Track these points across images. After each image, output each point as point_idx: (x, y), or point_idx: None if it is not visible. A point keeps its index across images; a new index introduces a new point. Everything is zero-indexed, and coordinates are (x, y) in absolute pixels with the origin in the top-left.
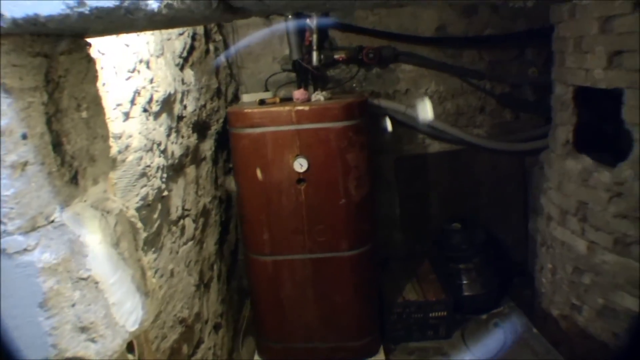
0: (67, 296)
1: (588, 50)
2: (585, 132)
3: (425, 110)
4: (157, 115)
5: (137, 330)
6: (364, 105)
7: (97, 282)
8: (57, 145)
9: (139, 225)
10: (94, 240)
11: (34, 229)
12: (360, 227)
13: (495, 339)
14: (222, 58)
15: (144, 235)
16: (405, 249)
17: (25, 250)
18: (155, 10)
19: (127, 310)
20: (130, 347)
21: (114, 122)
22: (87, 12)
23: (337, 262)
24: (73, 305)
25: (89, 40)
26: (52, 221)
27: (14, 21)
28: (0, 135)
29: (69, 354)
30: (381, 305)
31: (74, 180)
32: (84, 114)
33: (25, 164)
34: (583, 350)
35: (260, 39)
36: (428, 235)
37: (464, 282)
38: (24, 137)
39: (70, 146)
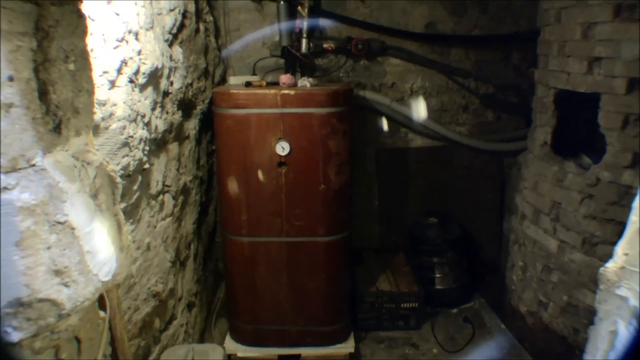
0: (43, 238)
1: (571, 55)
2: (563, 134)
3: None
4: (142, 87)
5: (109, 281)
6: (349, 94)
7: (73, 228)
8: (42, 94)
9: (118, 180)
10: (73, 188)
11: (14, 169)
12: (338, 214)
13: (464, 333)
14: (211, 39)
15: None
16: (381, 240)
17: (5, 188)
18: None
19: (100, 260)
20: (102, 305)
21: (100, 89)
22: None
23: (313, 247)
24: (48, 248)
25: None
26: (33, 165)
27: None
28: None
29: (41, 295)
30: (354, 293)
31: (57, 129)
32: (71, 67)
33: (10, 105)
34: (544, 345)
35: (251, 23)
36: (404, 228)
37: (437, 275)
38: (10, 79)
39: (55, 96)
